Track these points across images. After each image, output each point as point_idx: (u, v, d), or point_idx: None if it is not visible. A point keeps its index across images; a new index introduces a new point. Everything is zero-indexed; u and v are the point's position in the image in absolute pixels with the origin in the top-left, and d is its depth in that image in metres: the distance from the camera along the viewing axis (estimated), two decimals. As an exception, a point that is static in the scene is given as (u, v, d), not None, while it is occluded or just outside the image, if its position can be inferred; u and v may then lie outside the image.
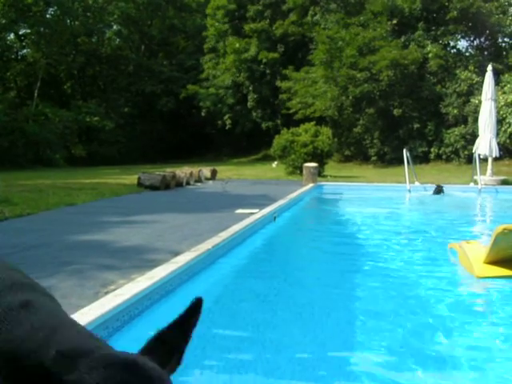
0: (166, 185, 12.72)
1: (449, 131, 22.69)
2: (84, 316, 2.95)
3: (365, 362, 3.13)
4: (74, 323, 0.99)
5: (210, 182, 15.46)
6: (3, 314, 0.92)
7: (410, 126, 23.40)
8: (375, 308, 4.13)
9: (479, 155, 15.07)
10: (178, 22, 34.52)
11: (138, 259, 4.75)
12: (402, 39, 24.22)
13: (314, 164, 15.08)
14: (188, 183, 14.05)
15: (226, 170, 19.39)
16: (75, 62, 31.54)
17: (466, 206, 12.65)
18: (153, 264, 4.38)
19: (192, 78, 31.99)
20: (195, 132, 32.58)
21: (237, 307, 4.19)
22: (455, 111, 22.56)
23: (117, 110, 32.13)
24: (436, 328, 3.63)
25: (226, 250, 5.66)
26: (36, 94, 27.84)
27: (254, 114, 30.05)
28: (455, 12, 23.30)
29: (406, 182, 13.85)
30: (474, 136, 18.62)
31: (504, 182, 15.29)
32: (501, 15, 24.15)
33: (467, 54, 25.20)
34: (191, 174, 14.45)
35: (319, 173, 15.93)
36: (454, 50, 25.18)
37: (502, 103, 20.41)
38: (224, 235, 5.89)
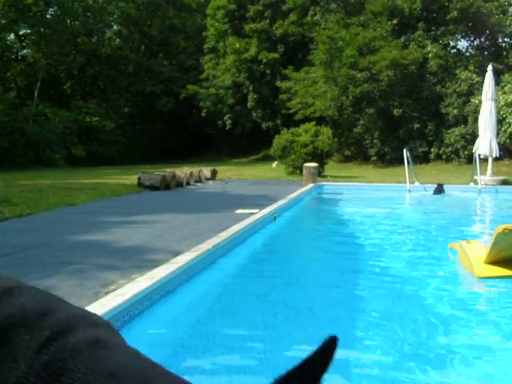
0: (166, 185, 12.72)
1: (449, 131, 22.70)
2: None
3: (365, 361, 3.12)
4: None
5: (210, 182, 15.46)
6: None
7: (410, 126, 23.40)
8: (375, 307, 4.13)
9: (479, 155, 15.06)
10: (178, 22, 34.54)
11: (138, 259, 4.74)
12: (402, 39, 24.22)
13: (314, 164, 15.08)
14: (188, 183, 14.04)
15: (226, 170, 19.38)
16: (75, 62, 31.54)
17: (466, 206, 12.65)
18: (153, 264, 4.37)
19: (192, 78, 32.00)
20: (195, 132, 32.60)
21: (237, 307, 4.19)
22: (455, 111, 22.56)
23: (117, 110, 32.13)
24: (436, 328, 3.63)
25: (226, 250, 5.66)
26: (36, 94, 27.85)
27: (254, 114, 30.05)
28: (455, 12, 23.32)
29: (406, 182, 13.84)
30: (474, 136, 18.62)
31: (504, 182, 15.29)
32: (501, 15, 24.17)
33: (467, 54, 25.21)
34: (191, 174, 14.44)
35: (319, 173, 15.92)
36: (454, 50, 25.19)
37: (502, 103, 20.42)
38: (224, 235, 5.89)
